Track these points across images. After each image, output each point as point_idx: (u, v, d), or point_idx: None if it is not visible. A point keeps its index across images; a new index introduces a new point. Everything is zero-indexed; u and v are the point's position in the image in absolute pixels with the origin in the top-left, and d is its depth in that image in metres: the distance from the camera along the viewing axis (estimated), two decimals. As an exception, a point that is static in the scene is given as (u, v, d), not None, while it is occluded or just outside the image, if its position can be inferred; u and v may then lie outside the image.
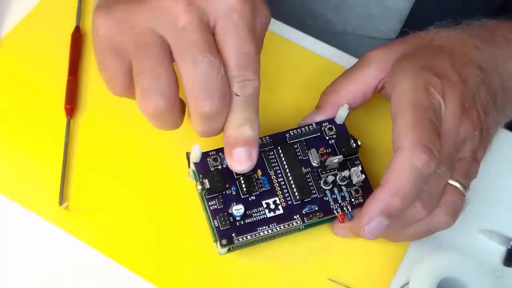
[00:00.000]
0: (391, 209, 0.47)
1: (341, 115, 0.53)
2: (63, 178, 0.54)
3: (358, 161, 0.52)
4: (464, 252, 0.54)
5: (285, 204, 0.50)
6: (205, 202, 0.50)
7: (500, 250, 0.55)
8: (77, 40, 0.61)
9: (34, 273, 0.52)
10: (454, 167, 0.50)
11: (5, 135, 0.57)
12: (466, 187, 0.50)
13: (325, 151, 0.52)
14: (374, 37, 0.72)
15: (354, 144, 0.52)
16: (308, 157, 0.52)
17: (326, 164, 0.51)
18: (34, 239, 0.53)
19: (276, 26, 0.63)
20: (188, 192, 0.55)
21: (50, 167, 0.55)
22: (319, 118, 0.54)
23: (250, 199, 0.50)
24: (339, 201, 0.51)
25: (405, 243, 0.54)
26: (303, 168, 0.51)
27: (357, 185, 0.51)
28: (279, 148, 0.52)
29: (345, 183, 0.51)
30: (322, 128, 0.53)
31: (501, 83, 0.54)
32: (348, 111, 0.52)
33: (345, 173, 0.51)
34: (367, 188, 0.51)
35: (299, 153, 0.52)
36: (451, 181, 0.50)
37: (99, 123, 0.57)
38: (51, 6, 0.63)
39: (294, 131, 0.53)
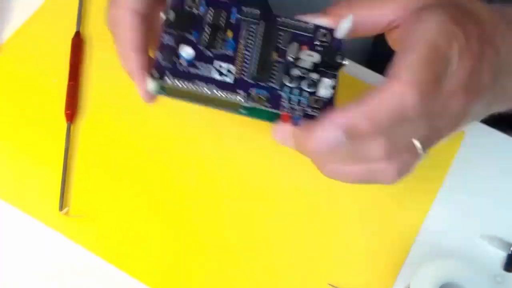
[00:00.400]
0: (356, 129, 0.42)
1: (343, 27, 0.48)
2: (63, 183, 0.54)
3: (335, 78, 0.47)
4: (465, 257, 0.54)
5: (238, 76, 0.46)
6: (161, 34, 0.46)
7: (501, 255, 0.55)
8: (78, 45, 0.61)
9: (34, 278, 0.52)
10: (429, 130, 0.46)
11: (6, 140, 0.57)
12: (424, 150, 0.46)
13: (307, 51, 0.47)
14: None
15: (339, 61, 0.47)
16: (286, 49, 0.47)
17: (299, 56, 0.46)
18: (34, 244, 0.53)
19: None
20: (189, 197, 0.55)
21: (50, 172, 0.55)
22: (318, 21, 0.48)
23: (205, 53, 0.46)
24: (293, 103, 0.46)
25: (405, 249, 0.54)
26: (275, 54, 0.47)
27: (320, 98, 0.46)
28: (263, 26, 0.48)
29: (309, 89, 0.46)
30: (317, 31, 0.48)
31: (502, 79, 0.52)
32: (351, 24, 0.47)
33: (315, 77, 0.46)
34: (328, 107, 0.46)
35: (280, 41, 0.47)
36: (414, 141, 0.46)
37: (100, 128, 0.58)
38: (52, 12, 0.63)
39: (288, 19, 0.48)
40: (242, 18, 0.47)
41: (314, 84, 0.46)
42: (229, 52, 0.46)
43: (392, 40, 0.49)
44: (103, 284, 0.52)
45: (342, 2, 0.49)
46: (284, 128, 0.46)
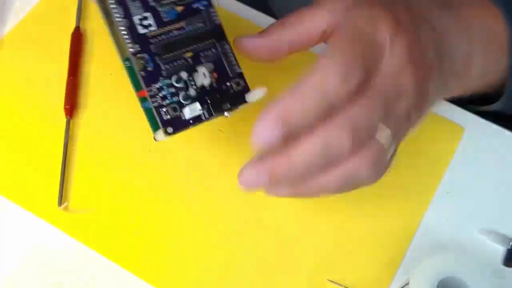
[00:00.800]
0: (291, 119, 0.42)
1: (255, 97, 0.49)
2: (62, 178, 0.54)
3: (208, 114, 0.48)
4: (464, 252, 0.54)
5: (150, 35, 0.48)
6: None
7: (500, 250, 0.55)
8: (77, 40, 0.61)
9: (32, 273, 0.52)
10: (389, 115, 0.45)
11: (4, 135, 0.57)
12: (392, 137, 0.46)
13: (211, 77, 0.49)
14: None
15: (224, 109, 0.48)
16: (202, 61, 0.49)
17: (204, 72, 0.48)
18: (32, 239, 0.53)
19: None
20: (189, 193, 0.55)
21: (50, 167, 0.55)
22: (258, 42, 0.49)
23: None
24: (160, 93, 0.48)
25: (405, 243, 0.54)
26: (189, 53, 0.49)
27: (181, 114, 0.48)
28: (213, 40, 0.50)
29: (180, 98, 0.48)
30: (236, 78, 0.49)
31: (449, 52, 0.51)
32: (263, 95, 0.48)
33: (193, 94, 0.48)
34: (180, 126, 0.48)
35: (205, 52, 0.49)
36: (379, 130, 0.45)
37: (99, 123, 0.58)
38: (52, 6, 0.63)
39: (231, 53, 0.50)
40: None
41: (187, 99, 0.48)
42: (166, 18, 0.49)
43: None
44: (101, 280, 0.52)
45: (277, 23, 0.50)
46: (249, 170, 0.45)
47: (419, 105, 0.48)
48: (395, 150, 0.48)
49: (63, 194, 0.54)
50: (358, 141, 0.44)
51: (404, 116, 0.47)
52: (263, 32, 0.50)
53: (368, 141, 0.45)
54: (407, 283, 0.51)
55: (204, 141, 0.57)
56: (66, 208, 0.53)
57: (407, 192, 0.57)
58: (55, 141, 0.56)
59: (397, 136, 0.47)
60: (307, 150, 0.43)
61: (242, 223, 0.55)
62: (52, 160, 0.55)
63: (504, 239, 0.55)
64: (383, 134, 0.45)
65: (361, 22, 0.46)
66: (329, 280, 0.53)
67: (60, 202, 0.53)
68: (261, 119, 0.43)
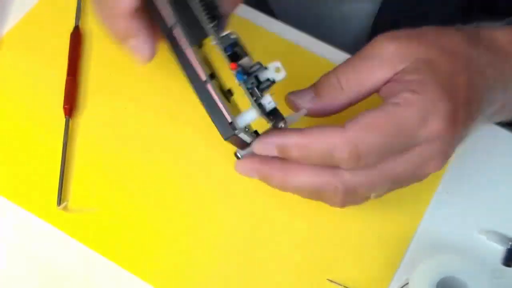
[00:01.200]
0: (287, 151, 0.46)
1: (294, 119, 0.49)
2: (62, 178, 0.54)
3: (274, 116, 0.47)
4: (464, 252, 0.54)
5: None
6: None
7: (500, 250, 0.55)
8: (76, 39, 0.61)
9: (31, 273, 0.52)
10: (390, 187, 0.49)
11: (3, 134, 0.57)
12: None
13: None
14: None
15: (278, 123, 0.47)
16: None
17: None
18: (31, 239, 0.53)
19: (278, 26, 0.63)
20: (190, 192, 0.55)
21: (49, 167, 0.55)
22: (314, 105, 0.49)
23: None
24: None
25: (404, 243, 0.54)
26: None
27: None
28: None
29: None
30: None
31: (487, 111, 0.51)
32: (302, 115, 0.49)
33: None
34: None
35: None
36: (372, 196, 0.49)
37: (98, 122, 0.57)
38: (51, 6, 0.63)
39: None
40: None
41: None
42: None
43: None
44: (100, 279, 0.52)
45: (330, 79, 0.49)
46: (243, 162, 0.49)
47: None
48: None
49: (62, 194, 0.54)
50: (349, 201, 0.48)
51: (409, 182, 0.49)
52: (317, 90, 0.50)
53: (356, 195, 0.48)
54: (407, 283, 0.51)
55: (204, 140, 0.57)
56: (65, 208, 0.53)
57: (407, 192, 0.56)
58: (54, 140, 0.56)
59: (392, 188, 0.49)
60: (300, 182, 0.47)
61: (243, 223, 0.55)
62: (51, 160, 0.55)
63: (503, 239, 0.55)
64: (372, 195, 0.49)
65: (411, 113, 0.45)
66: (329, 280, 0.53)
67: (59, 202, 0.53)
68: (261, 139, 0.47)
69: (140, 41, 0.48)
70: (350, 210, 0.55)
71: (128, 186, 0.55)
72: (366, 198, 0.49)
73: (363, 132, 0.45)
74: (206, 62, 0.49)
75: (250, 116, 0.47)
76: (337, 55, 0.61)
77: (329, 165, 0.46)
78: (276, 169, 0.48)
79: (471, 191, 0.57)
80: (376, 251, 0.54)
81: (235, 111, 0.48)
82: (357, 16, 0.73)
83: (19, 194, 0.54)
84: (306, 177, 0.47)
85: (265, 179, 0.49)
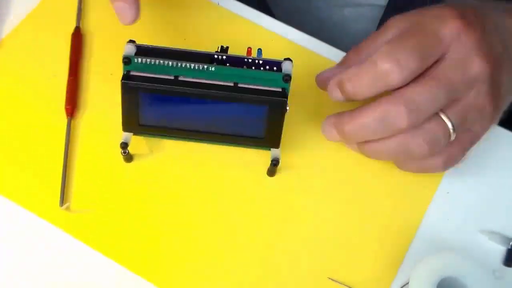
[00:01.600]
0: (343, 87, 0.51)
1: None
2: (64, 178, 0.54)
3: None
4: (464, 252, 0.54)
5: None
6: None
7: (500, 250, 0.55)
8: (77, 40, 0.61)
9: (34, 274, 0.52)
10: (453, 100, 0.50)
11: (5, 136, 0.57)
12: (454, 126, 0.51)
13: None
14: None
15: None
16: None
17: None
18: (34, 240, 0.53)
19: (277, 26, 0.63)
20: (191, 192, 0.55)
21: (51, 167, 0.55)
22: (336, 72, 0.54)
23: None
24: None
25: (405, 243, 0.54)
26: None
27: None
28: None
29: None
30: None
31: None
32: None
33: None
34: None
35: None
36: (443, 116, 0.51)
37: (100, 123, 0.58)
38: (52, 7, 0.63)
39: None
40: None
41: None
42: None
43: None
44: (103, 280, 0.52)
45: (352, 51, 0.56)
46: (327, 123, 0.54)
47: (491, 94, 0.51)
48: (470, 142, 0.53)
49: (65, 194, 0.54)
50: (415, 117, 0.49)
51: (475, 105, 0.51)
52: (340, 64, 0.56)
53: (427, 121, 0.50)
54: (407, 283, 0.51)
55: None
56: (67, 208, 0.53)
57: (407, 192, 0.57)
58: (56, 141, 0.56)
59: (467, 125, 0.52)
60: (368, 116, 0.51)
61: (243, 221, 0.55)
62: (53, 161, 0.55)
63: (504, 239, 0.55)
64: (440, 121, 0.51)
65: (428, 19, 0.51)
66: (330, 279, 0.53)
67: (61, 203, 0.54)
68: (329, 86, 0.53)
69: (126, 2, 0.51)
70: (351, 210, 0.56)
71: (130, 185, 0.55)
72: (437, 123, 0.51)
73: (396, 42, 0.50)
74: None
75: None
76: (338, 55, 0.61)
77: (383, 89, 0.50)
78: (346, 118, 0.52)
79: (471, 191, 0.57)
80: (377, 250, 0.54)
81: None
82: (358, 20, 0.73)
83: (21, 195, 0.54)
84: (370, 111, 0.51)
85: (341, 135, 0.53)
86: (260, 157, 0.57)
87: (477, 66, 0.50)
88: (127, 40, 0.52)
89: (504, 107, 0.54)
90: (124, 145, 0.54)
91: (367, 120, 0.51)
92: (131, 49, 0.51)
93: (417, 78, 0.50)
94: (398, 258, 0.54)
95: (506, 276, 0.54)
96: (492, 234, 0.55)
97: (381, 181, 0.57)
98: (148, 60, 0.51)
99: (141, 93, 0.52)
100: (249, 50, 0.53)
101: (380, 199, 0.56)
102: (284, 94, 0.52)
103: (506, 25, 0.54)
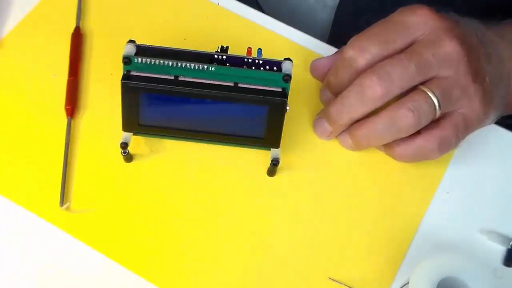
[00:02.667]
0: (329, 83, 0.57)
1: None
2: (64, 179, 0.54)
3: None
4: (464, 252, 0.54)
5: None
6: None
7: (500, 250, 0.55)
8: (77, 40, 0.61)
9: (34, 274, 0.52)
10: (427, 73, 0.53)
11: (5, 136, 0.57)
12: (439, 99, 0.52)
13: None
14: None
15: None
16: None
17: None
18: (35, 240, 0.53)
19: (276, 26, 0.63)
20: (191, 192, 0.55)
21: (51, 168, 0.55)
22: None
23: None
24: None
25: (405, 243, 0.54)
26: None
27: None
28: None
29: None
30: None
31: (496, 52, 0.56)
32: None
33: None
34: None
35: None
36: (423, 87, 0.52)
37: (100, 123, 0.58)
38: (52, 6, 0.63)
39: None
40: None
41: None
42: None
43: None
44: (104, 280, 0.52)
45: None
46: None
47: (475, 77, 0.53)
48: (463, 126, 0.54)
49: (65, 194, 0.54)
50: (387, 85, 0.52)
51: (455, 83, 0.53)
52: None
53: (408, 93, 0.53)
54: (407, 283, 0.51)
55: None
56: (68, 209, 0.53)
57: (407, 192, 0.57)
58: (56, 141, 0.56)
59: (452, 101, 0.53)
60: (348, 93, 0.54)
61: (243, 221, 0.55)
62: (54, 161, 0.55)
63: (504, 239, 0.55)
64: (423, 92, 0.52)
65: (397, 12, 0.54)
66: (330, 278, 0.53)
67: (61, 203, 0.54)
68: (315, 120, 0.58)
69: None
70: (351, 210, 0.56)
71: (131, 185, 0.55)
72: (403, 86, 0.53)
73: (362, 32, 0.54)
74: None
75: None
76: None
77: (357, 74, 0.53)
78: (331, 102, 0.56)
79: (471, 191, 0.57)
80: (377, 250, 0.54)
81: None
82: (320, 9, 0.74)
83: (22, 195, 0.54)
84: (348, 91, 0.54)
85: (326, 116, 0.56)
86: (260, 157, 0.57)
87: (449, 45, 0.52)
88: (127, 40, 0.52)
89: (496, 100, 0.55)
90: (124, 145, 0.54)
91: (346, 97, 0.54)
92: (131, 49, 0.51)
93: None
94: (398, 258, 0.54)
95: (506, 276, 0.54)
96: (492, 234, 0.55)
97: (381, 181, 0.57)
98: (148, 60, 0.51)
99: (141, 93, 0.52)
100: (249, 50, 0.53)
101: (380, 199, 0.56)
102: (284, 94, 0.52)
103: (485, 33, 0.56)
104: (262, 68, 0.52)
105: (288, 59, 0.52)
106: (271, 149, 0.55)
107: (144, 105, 0.53)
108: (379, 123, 0.53)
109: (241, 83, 0.52)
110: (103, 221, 0.54)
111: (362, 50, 0.53)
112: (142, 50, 0.52)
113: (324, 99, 0.58)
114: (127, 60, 0.51)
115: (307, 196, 0.56)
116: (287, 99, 0.52)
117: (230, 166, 0.57)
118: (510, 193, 0.57)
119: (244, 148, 0.57)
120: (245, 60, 0.52)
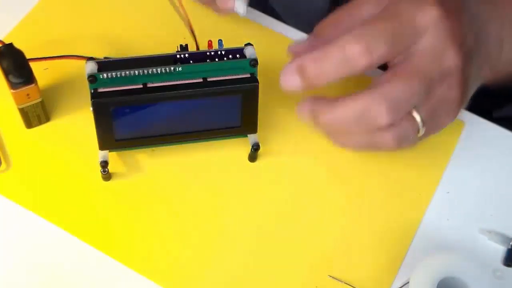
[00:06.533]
0: (305, 70, 0.48)
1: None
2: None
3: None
4: (464, 252, 0.54)
5: None
6: None
7: (500, 250, 0.55)
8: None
9: (33, 274, 0.52)
10: (428, 91, 0.49)
11: (5, 135, 0.57)
12: (424, 121, 0.50)
13: None
14: None
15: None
16: None
17: None
18: (34, 240, 0.53)
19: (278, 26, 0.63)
20: (192, 192, 0.55)
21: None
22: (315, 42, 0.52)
23: None
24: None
25: (405, 243, 0.54)
26: None
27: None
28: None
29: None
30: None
31: (484, 39, 0.53)
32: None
33: None
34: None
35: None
36: (414, 113, 0.50)
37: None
38: (51, 7, 0.63)
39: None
40: None
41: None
42: None
43: None
44: (105, 280, 0.52)
45: (324, 22, 0.54)
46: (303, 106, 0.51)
47: (462, 87, 0.50)
48: (433, 131, 0.52)
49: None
50: (395, 115, 0.48)
51: (445, 99, 0.50)
52: (315, 33, 0.53)
53: (405, 116, 0.49)
54: (407, 283, 0.51)
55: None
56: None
57: (407, 192, 0.57)
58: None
59: (434, 118, 0.51)
60: (348, 110, 0.49)
61: (246, 221, 0.55)
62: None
63: (504, 239, 0.55)
64: (411, 118, 0.50)
65: (405, 4, 0.49)
66: (330, 276, 0.53)
67: None
68: (283, 69, 0.49)
69: None
70: (351, 210, 0.56)
71: (131, 185, 0.55)
72: (412, 119, 0.50)
73: (368, 26, 0.48)
74: None
75: None
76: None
77: (350, 74, 0.48)
78: (324, 105, 0.50)
79: (471, 191, 0.57)
80: (378, 250, 0.54)
81: None
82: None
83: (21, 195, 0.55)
84: (351, 107, 0.49)
85: (315, 120, 0.51)
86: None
87: (451, 59, 0.49)
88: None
89: (467, 97, 0.53)
90: (104, 164, 0.53)
91: (346, 114, 0.49)
92: (92, 67, 0.50)
93: (394, 70, 0.49)
94: (398, 258, 0.54)
95: (506, 276, 0.54)
96: (492, 234, 0.55)
97: (381, 181, 0.57)
98: (114, 73, 0.50)
99: (114, 108, 0.51)
100: (209, 43, 0.53)
101: (380, 199, 0.56)
102: (254, 79, 0.52)
103: (480, 14, 0.53)
104: (225, 58, 0.52)
105: (249, 44, 0.52)
106: (250, 135, 0.55)
107: (118, 119, 0.52)
108: (361, 142, 0.51)
109: (210, 77, 0.52)
110: (103, 221, 0.54)
111: (370, 50, 0.47)
112: (104, 65, 0.51)
113: (292, 85, 0.50)
114: (92, 78, 0.50)
115: (307, 194, 0.56)
116: (258, 83, 0.52)
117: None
118: (510, 193, 0.57)
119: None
120: (208, 53, 0.52)
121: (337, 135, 0.52)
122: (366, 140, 0.51)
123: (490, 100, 0.61)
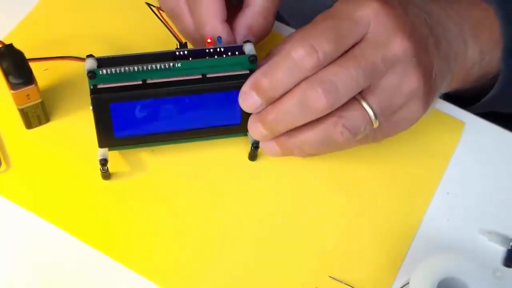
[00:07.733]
0: (259, 85, 0.50)
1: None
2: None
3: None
4: (464, 252, 0.54)
5: None
6: None
7: (500, 251, 0.55)
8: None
9: (33, 274, 0.52)
10: (374, 80, 0.49)
11: (5, 134, 0.57)
12: (376, 113, 0.50)
13: None
14: None
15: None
16: None
17: None
18: (34, 240, 0.53)
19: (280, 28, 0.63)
20: (193, 192, 0.55)
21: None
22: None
23: None
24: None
25: (406, 243, 0.54)
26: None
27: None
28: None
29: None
30: None
31: (442, 33, 0.53)
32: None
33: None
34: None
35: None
36: (362, 101, 0.50)
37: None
38: (51, 7, 0.63)
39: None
40: None
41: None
42: None
43: None
44: (105, 280, 0.52)
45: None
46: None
47: (418, 76, 0.50)
48: (400, 129, 0.52)
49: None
50: (333, 98, 0.49)
51: (400, 89, 0.50)
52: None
53: (347, 109, 0.50)
54: (407, 283, 0.51)
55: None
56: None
57: (407, 192, 0.57)
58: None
59: (392, 110, 0.50)
60: (288, 101, 0.50)
61: (246, 221, 0.55)
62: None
63: (504, 239, 0.55)
64: (361, 108, 0.50)
65: (344, 5, 0.50)
66: (330, 277, 0.53)
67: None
68: (240, 91, 0.51)
69: None
70: (351, 210, 0.56)
71: (131, 185, 0.55)
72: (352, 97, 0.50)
73: (308, 28, 0.50)
74: None
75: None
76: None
77: (301, 77, 0.49)
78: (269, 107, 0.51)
79: (471, 191, 0.57)
80: (377, 250, 0.54)
81: None
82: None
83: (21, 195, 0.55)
84: (289, 97, 0.50)
85: (264, 123, 0.52)
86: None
87: (398, 45, 0.49)
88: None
89: (439, 93, 0.53)
90: (104, 162, 0.53)
91: (288, 105, 0.50)
92: (92, 63, 0.50)
93: (336, 59, 0.49)
94: (398, 258, 0.54)
95: (506, 277, 0.54)
96: (492, 234, 0.55)
97: (381, 181, 0.57)
98: (113, 69, 0.50)
99: (113, 104, 0.51)
100: (208, 40, 0.53)
101: (380, 199, 0.56)
102: None
103: (434, 10, 0.53)
104: (224, 55, 0.52)
105: (248, 41, 0.53)
106: (249, 133, 0.55)
107: (118, 117, 0.52)
108: (316, 138, 0.51)
109: (209, 73, 0.52)
110: (103, 221, 0.54)
111: (313, 49, 0.48)
112: (103, 62, 0.51)
113: (252, 103, 0.51)
114: (91, 74, 0.50)
115: (307, 195, 0.56)
116: None
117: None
118: (510, 194, 0.57)
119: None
120: (207, 50, 0.52)
121: (294, 139, 0.52)
122: (319, 135, 0.51)
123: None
